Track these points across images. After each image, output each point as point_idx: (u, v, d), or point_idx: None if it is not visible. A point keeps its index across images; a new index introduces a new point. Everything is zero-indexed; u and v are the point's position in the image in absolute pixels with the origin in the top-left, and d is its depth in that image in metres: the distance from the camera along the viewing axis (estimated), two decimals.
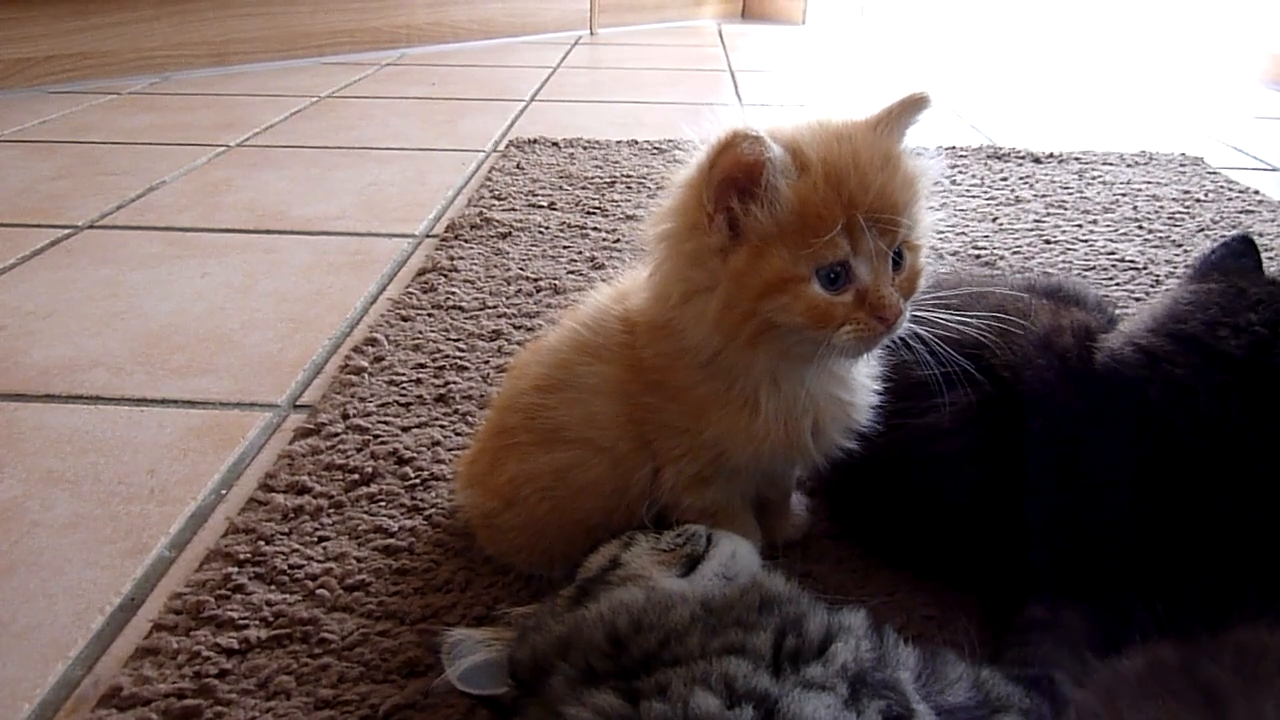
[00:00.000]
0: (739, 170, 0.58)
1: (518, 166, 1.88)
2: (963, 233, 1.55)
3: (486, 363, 1.12)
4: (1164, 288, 1.34)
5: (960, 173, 1.87)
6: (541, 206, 1.66)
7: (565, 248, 1.47)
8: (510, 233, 1.53)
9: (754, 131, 0.57)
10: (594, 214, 1.62)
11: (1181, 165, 1.93)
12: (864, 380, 0.70)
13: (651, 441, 0.70)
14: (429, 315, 1.24)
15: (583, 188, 1.76)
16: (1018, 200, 1.71)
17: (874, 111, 0.63)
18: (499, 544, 0.78)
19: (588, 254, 1.45)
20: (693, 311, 0.63)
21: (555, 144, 2.04)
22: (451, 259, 1.42)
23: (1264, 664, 0.46)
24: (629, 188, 1.75)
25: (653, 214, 0.66)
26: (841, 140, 0.60)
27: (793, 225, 0.58)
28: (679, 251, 0.63)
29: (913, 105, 0.63)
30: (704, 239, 0.61)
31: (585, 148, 2.02)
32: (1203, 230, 1.57)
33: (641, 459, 0.71)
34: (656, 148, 2.01)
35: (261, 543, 0.81)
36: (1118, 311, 0.81)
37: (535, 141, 2.06)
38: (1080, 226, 1.59)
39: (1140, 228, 1.58)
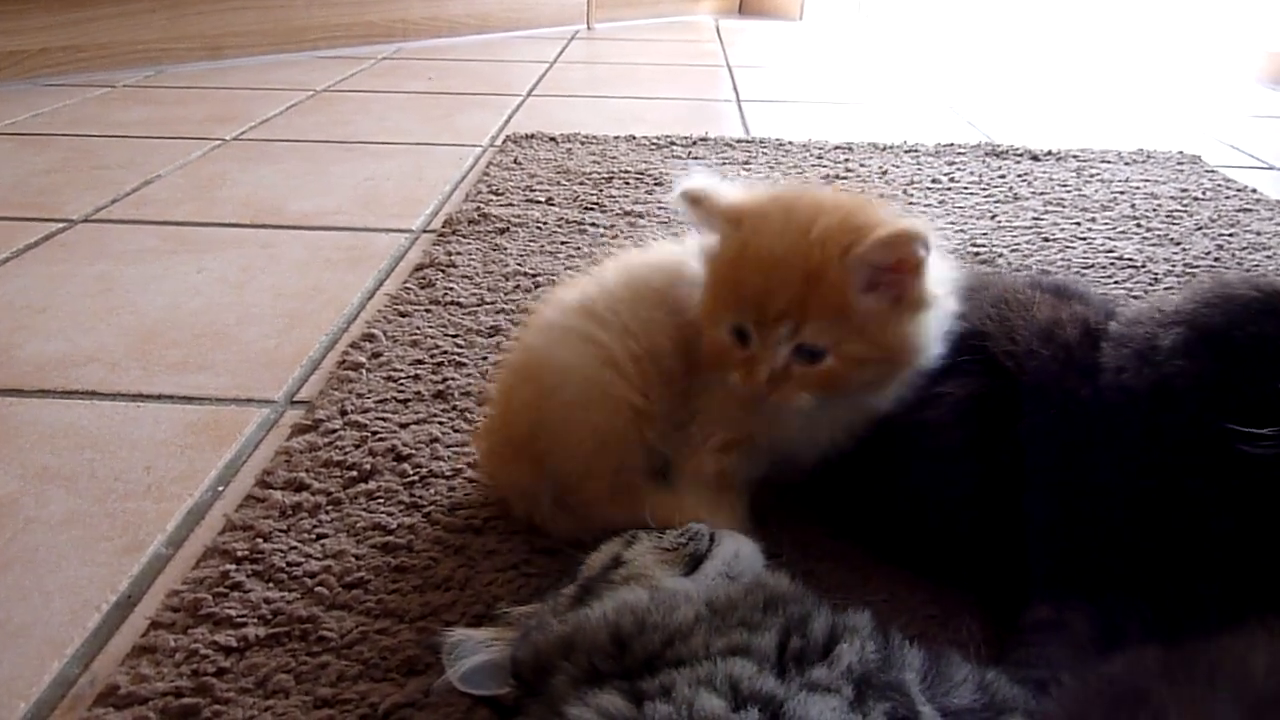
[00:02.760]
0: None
1: (515, 162, 1.87)
2: (961, 230, 1.55)
3: (485, 359, 1.12)
4: (1162, 285, 1.34)
5: (958, 170, 1.87)
6: (539, 202, 1.65)
7: (563, 243, 1.47)
8: (508, 228, 1.52)
9: (700, 199, 0.70)
10: (592, 209, 1.62)
11: (1179, 163, 1.93)
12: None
13: (697, 395, 0.76)
14: (427, 311, 1.23)
15: (580, 183, 1.75)
16: (1016, 198, 1.71)
17: (876, 232, 0.64)
18: (499, 463, 0.82)
19: (586, 250, 1.44)
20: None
21: (553, 139, 2.03)
22: (449, 254, 1.41)
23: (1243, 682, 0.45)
24: (627, 183, 1.75)
25: None
26: (784, 238, 0.66)
27: (712, 280, 0.72)
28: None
29: (889, 246, 0.64)
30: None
31: (583, 143, 2.01)
32: (1200, 228, 1.57)
33: (664, 410, 0.76)
34: (654, 143, 2.00)
35: (259, 540, 0.81)
36: (1120, 309, 0.81)
37: (533, 136, 2.05)
38: (1078, 224, 1.59)
39: (1138, 225, 1.58)
